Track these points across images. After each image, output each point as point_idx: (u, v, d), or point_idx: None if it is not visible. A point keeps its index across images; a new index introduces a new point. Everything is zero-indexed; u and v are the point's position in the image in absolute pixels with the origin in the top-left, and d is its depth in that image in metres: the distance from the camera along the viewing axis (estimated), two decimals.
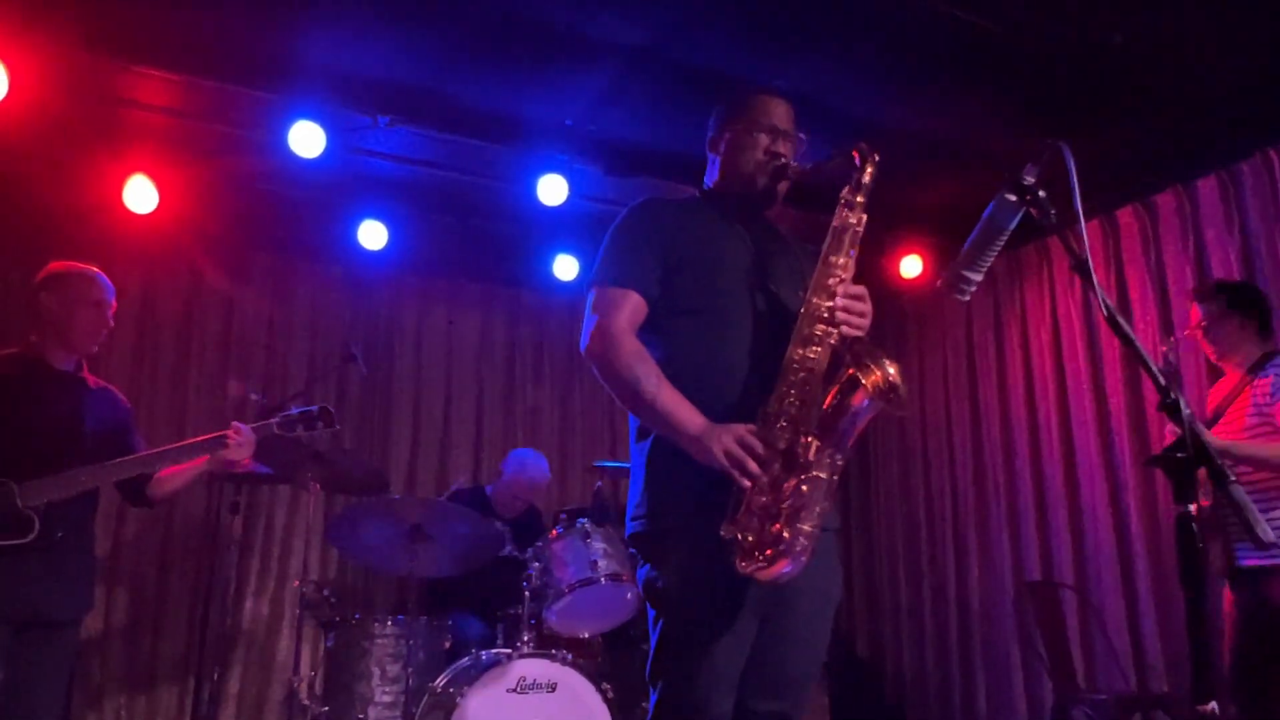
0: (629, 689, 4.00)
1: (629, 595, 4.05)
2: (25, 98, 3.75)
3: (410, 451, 5.55)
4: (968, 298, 1.69)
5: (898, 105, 4.21)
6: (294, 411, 3.15)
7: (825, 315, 1.91)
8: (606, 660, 4.21)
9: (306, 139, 4.10)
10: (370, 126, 4.19)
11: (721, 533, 1.79)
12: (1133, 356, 1.33)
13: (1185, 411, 1.31)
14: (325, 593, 4.07)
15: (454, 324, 5.77)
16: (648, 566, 2.00)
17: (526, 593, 3.75)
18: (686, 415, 1.87)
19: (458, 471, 5.55)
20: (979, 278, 1.66)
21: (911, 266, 5.36)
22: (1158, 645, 4.30)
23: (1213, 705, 1.22)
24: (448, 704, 3.50)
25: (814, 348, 1.89)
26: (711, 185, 2.25)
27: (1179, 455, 1.28)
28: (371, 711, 3.72)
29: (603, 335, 1.98)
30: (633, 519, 2.02)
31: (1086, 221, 4.81)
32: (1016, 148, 1.69)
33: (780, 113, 2.22)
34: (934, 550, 5.59)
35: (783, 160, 2.16)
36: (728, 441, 1.79)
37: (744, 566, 1.79)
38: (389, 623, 3.86)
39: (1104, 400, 4.69)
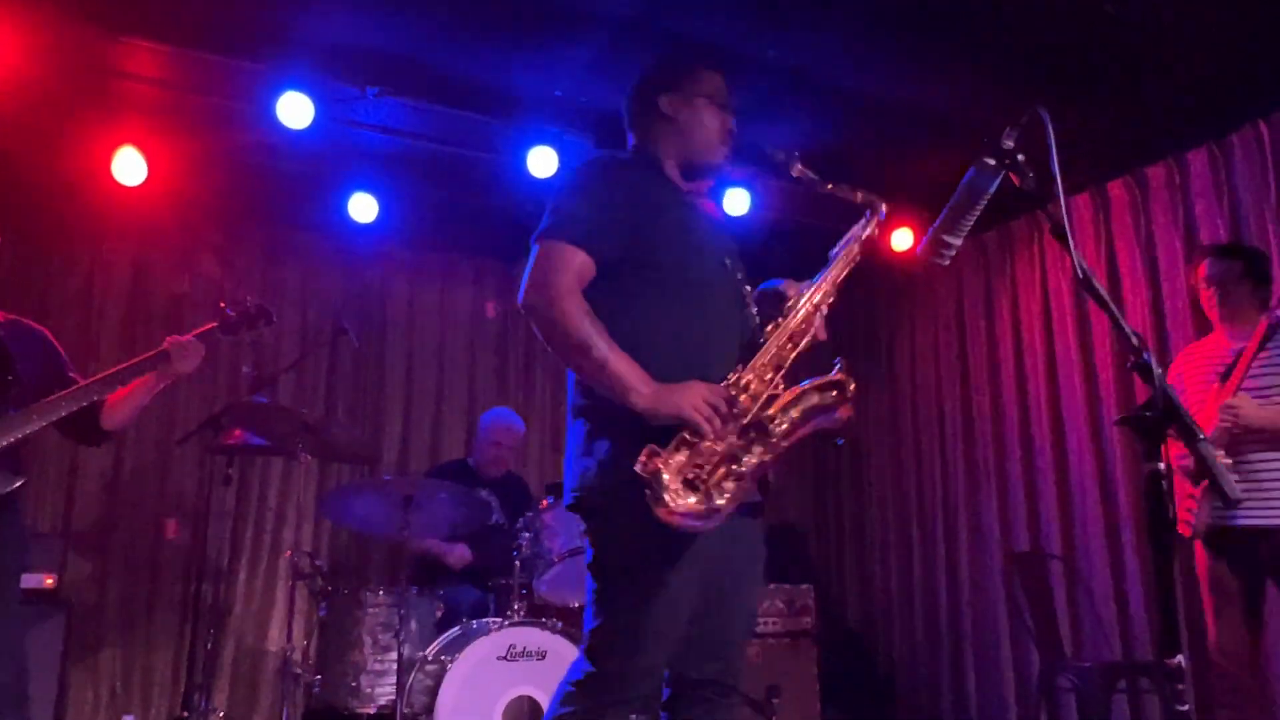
0: None
1: None
2: (12, 69, 3.72)
3: (403, 425, 5.56)
4: (947, 262, 1.70)
5: (889, 77, 4.19)
6: (230, 313, 3.09)
7: (810, 323, 2.03)
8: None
9: (295, 110, 4.07)
10: (359, 98, 4.18)
11: (642, 458, 1.78)
12: (1106, 315, 1.34)
13: (1156, 371, 1.32)
14: (317, 563, 4.10)
15: (446, 297, 5.77)
16: (594, 536, 1.98)
17: (517, 562, 3.79)
18: (639, 376, 1.88)
19: (451, 443, 5.57)
20: (958, 242, 1.67)
21: (902, 239, 5.35)
22: (1143, 614, 4.35)
23: (1179, 659, 1.25)
24: (438, 672, 3.55)
25: (790, 344, 2.00)
26: (662, 152, 2.20)
27: (1148, 414, 1.30)
28: (364, 680, 3.76)
29: (550, 291, 1.93)
30: (576, 489, 1.99)
31: (1077, 194, 4.88)
32: (1007, 121, 1.69)
33: (728, 90, 2.26)
34: (924, 522, 5.63)
35: (732, 140, 2.22)
36: (703, 392, 1.85)
37: (655, 503, 1.78)
38: (381, 592, 3.90)
39: (1093, 373, 4.71)
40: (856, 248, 2.13)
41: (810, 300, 2.06)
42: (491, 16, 3.78)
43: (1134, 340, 1.37)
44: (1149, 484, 1.26)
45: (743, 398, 1.90)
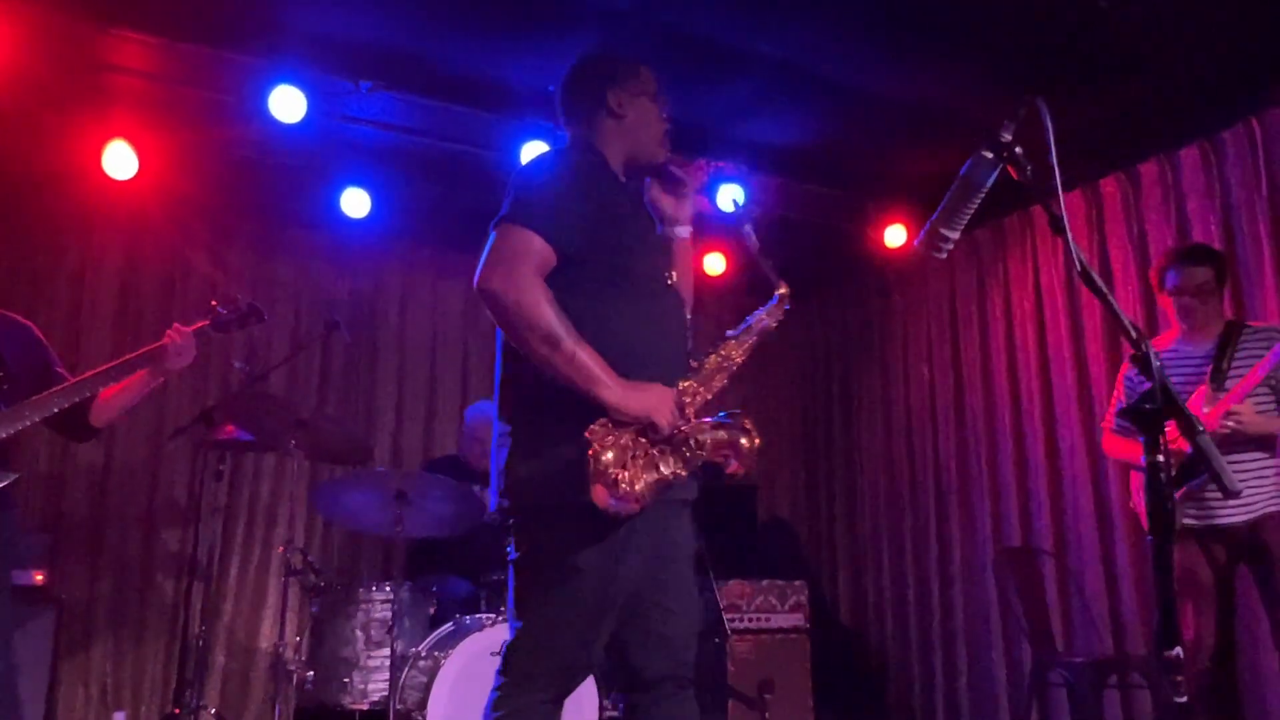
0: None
1: None
2: (1, 61, 3.70)
3: (395, 421, 5.55)
4: (945, 255, 1.69)
5: (882, 73, 4.19)
6: (222, 310, 3.07)
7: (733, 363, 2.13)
8: None
9: (287, 104, 4.05)
10: (352, 92, 4.15)
11: (594, 426, 1.85)
12: (1105, 307, 1.34)
13: (1155, 364, 1.32)
14: (310, 559, 4.08)
15: (439, 293, 5.75)
16: (536, 534, 1.99)
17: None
18: (607, 371, 1.90)
19: (444, 439, 5.56)
20: (956, 235, 1.66)
21: (895, 236, 5.36)
22: (1135, 609, 4.36)
23: (1177, 651, 1.25)
24: (431, 668, 3.54)
25: (722, 374, 2.10)
26: (607, 148, 2.20)
27: (1148, 407, 1.30)
28: (356, 676, 3.75)
29: (516, 278, 1.91)
30: (519, 488, 1.99)
31: (1069, 191, 4.89)
32: (1000, 117, 1.69)
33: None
34: (916, 517, 5.64)
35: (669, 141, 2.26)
36: (666, 397, 1.93)
37: (594, 478, 1.83)
38: (374, 588, 3.89)
39: (1085, 369, 4.72)
40: (755, 339, 2.18)
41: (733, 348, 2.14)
42: (486, 10, 3.77)
43: (1133, 333, 1.37)
44: (1149, 475, 1.26)
45: (687, 409, 1.98)
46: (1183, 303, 3.35)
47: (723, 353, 2.11)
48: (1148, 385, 1.29)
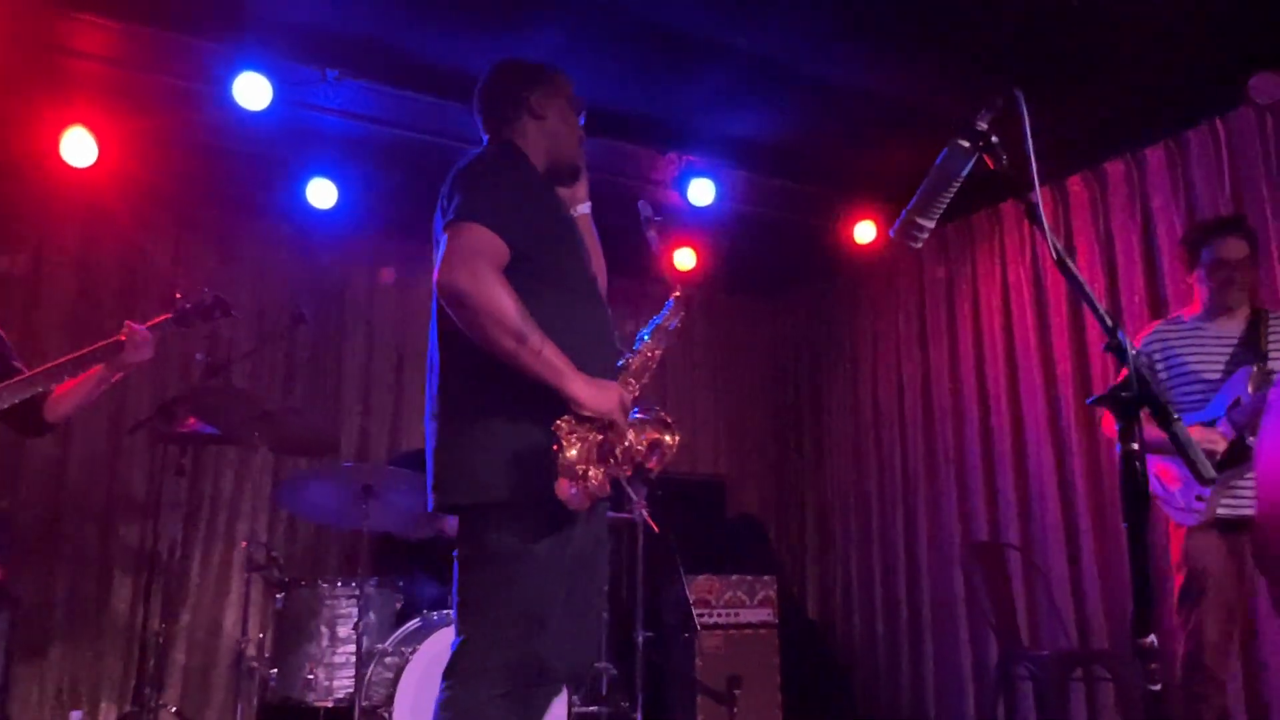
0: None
1: None
2: None
3: (362, 415, 5.49)
4: (919, 245, 1.68)
5: (854, 68, 4.20)
6: (186, 304, 3.01)
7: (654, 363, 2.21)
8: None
9: (252, 91, 3.98)
10: (319, 80, 4.08)
11: (560, 422, 1.89)
12: (1080, 298, 1.34)
13: (1131, 352, 1.32)
14: (274, 554, 4.02)
15: (406, 286, 5.68)
16: (488, 526, 1.99)
17: None
18: (570, 365, 1.94)
19: (410, 434, 5.50)
20: (931, 224, 1.65)
21: (865, 232, 5.37)
22: (1099, 604, 4.41)
23: (1151, 638, 1.24)
24: (398, 664, 3.49)
25: (646, 373, 2.18)
26: (530, 150, 2.22)
27: (1124, 395, 1.29)
28: (321, 673, 3.70)
29: (480, 275, 1.91)
30: (471, 480, 2.00)
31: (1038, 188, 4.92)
32: (977, 108, 1.69)
33: None
34: (884, 514, 5.67)
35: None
36: (624, 396, 2.01)
37: (560, 471, 1.87)
38: (339, 584, 3.84)
39: (1051, 365, 4.77)
40: (667, 340, 2.25)
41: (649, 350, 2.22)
42: None
43: (1108, 321, 1.37)
44: (1124, 463, 1.26)
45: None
46: (1221, 277, 3.13)
47: (645, 354, 2.19)
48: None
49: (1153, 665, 1.23)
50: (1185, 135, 4.31)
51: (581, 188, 2.35)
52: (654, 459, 2.07)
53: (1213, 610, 2.98)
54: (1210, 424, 3.02)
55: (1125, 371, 1.33)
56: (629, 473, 2.03)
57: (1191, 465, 1.26)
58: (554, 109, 2.25)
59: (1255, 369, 3.02)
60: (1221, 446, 2.96)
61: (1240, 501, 3.02)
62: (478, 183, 2.04)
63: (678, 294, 2.28)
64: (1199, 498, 3.04)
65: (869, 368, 5.91)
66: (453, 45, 4.04)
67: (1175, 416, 1.28)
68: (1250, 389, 3.01)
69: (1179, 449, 1.27)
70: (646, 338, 2.22)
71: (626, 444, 2.00)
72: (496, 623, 1.96)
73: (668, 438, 2.08)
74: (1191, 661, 2.98)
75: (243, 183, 5.01)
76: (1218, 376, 3.12)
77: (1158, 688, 1.26)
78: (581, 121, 2.32)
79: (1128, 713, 4.11)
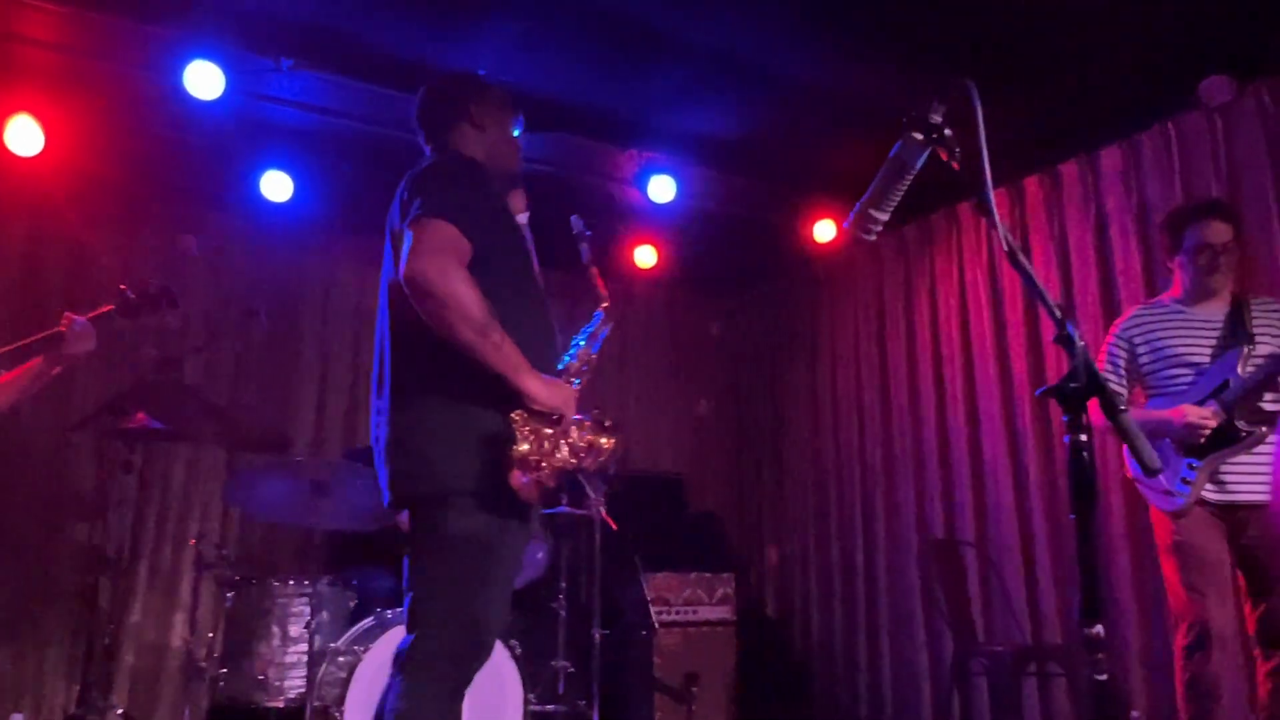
0: (537, 645, 3.98)
1: (539, 554, 4.05)
2: None
3: (316, 411, 5.41)
4: (873, 237, 1.69)
5: (814, 65, 4.20)
6: (130, 295, 2.95)
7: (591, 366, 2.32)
8: (515, 617, 4.18)
9: (204, 80, 3.90)
10: (273, 69, 4.02)
11: (514, 415, 1.98)
12: (1031, 291, 1.34)
13: (1079, 344, 1.33)
14: (224, 552, 3.95)
15: (364, 279, 5.61)
16: (444, 517, 2.03)
17: None
18: (525, 360, 2.02)
19: (366, 430, 5.42)
20: (885, 217, 1.65)
21: (825, 230, 5.40)
22: (1053, 600, 4.46)
23: (1098, 628, 1.25)
24: (351, 663, 3.44)
25: (586, 375, 2.29)
26: (476, 158, 2.31)
27: (1072, 385, 1.30)
28: (272, 673, 3.64)
29: (446, 269, 1.97)
30: (426, 471, 2.06)
31: (993, 188, 4.97)
32: (930, 99, 1.69)
33: None
34: (842, 511, 5.70)
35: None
36: (574, 394, 2.14)
37: (516, 464, 1.96)
38: (290, 582, 3.78)
39: (1007, 365, 4.81)
40: (601, 345, 2.35)
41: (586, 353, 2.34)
42: None
43: (1057, 313, 1.37)
44: (1072, 453, 1.26)
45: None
46: (1205, 261, 3.11)
47: (582, 358, 2.31)
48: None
49: (1099, 655, 1.24)
50: (1138, 137, 4.36)
51: (519, 197, 2.42)
52: (590, 459, 2.14)
53: (1218, 600, 2.92)
54: (1200, 405, 3.02)
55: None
56: (574, 465, 2.09)
57: (1137, 455, 1.27)
58: (492, 120, 2.36)
59: (1245, 350, 3.01)
60: (1213, 424, 2.95)
61: (1235, 487, 3.00)
62: (442, 184, 2.11)
63: (606, 305, 2.40)
64: (1184, 480, 3.01)
65: (828, 366, 5.94)
66: (410, 36, 3.99)
67: (1123, 408, 1.28)
68: (1240, 370, 3.00)
69: (1125, 439, 1.28)
70: (581, 344, 2.33)
71: (571, 440, 2.08)
72: (451, 611, 2.02)
73: (604, 440, 2.17)
74: (1195, 658, 2.91)
75: (194, 174, 4.91)
76: (1204, 360, 3.11)
77: (1104, 678, 1.26)
78: (518, 131, 2.44)
79: (1079, 707, 4.16)
